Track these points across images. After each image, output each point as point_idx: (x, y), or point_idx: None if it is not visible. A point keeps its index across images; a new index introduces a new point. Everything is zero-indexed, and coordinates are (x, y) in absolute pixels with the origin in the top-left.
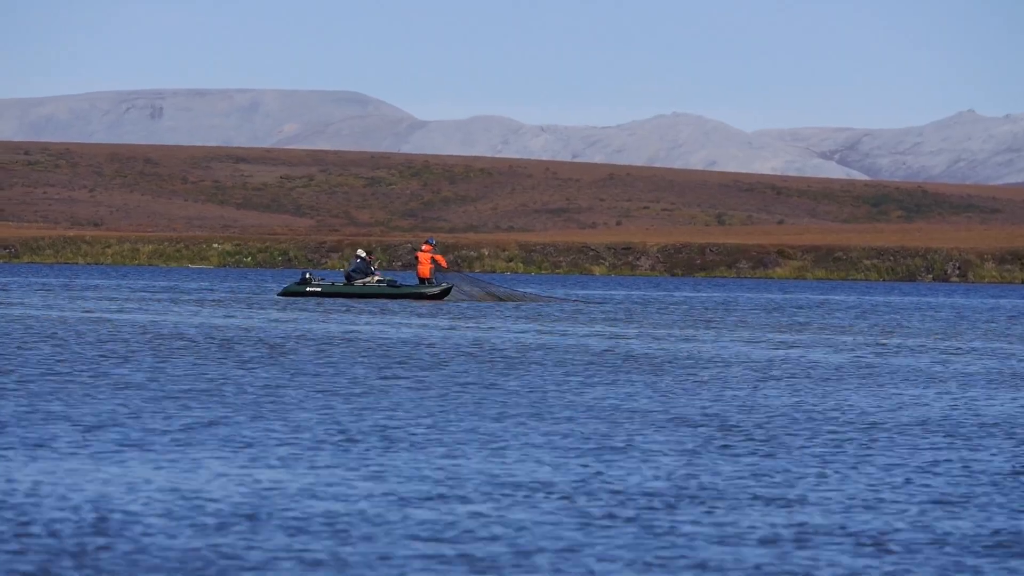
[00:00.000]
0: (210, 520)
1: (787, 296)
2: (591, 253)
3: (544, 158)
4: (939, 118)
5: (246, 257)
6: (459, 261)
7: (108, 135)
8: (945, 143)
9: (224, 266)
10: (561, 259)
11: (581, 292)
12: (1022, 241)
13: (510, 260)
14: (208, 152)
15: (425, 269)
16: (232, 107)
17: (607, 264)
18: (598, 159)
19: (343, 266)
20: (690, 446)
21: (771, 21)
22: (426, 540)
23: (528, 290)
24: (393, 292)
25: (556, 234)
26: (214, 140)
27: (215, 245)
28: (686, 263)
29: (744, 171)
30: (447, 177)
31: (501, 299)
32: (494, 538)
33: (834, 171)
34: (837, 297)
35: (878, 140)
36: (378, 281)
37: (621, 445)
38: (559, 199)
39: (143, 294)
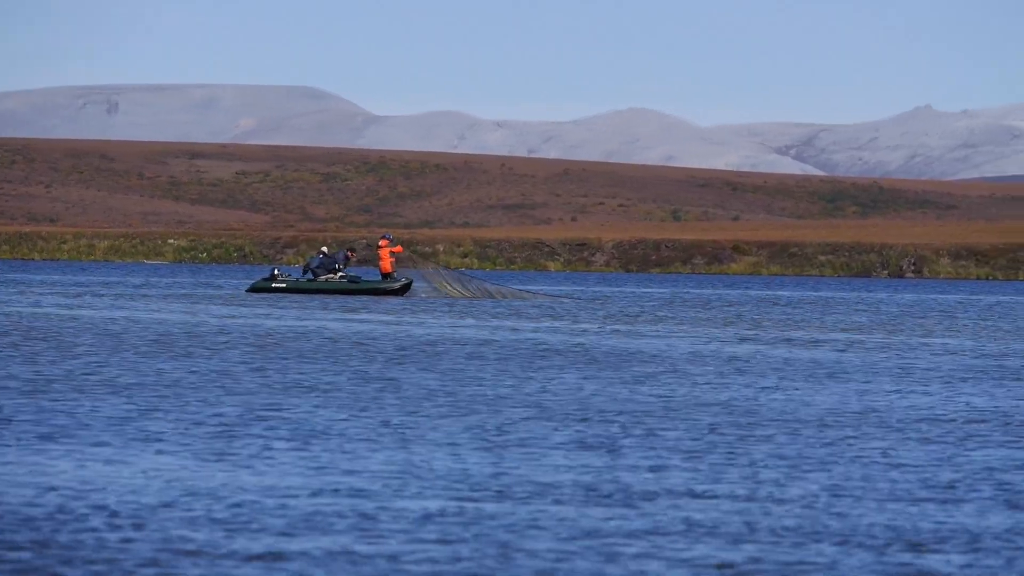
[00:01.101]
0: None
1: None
2: (546, 249)
3: (500, 153)
4: (896, 114)
5: (202, 253)
6: (413, 257)
7: (65, 130)
8: (902, 139)
9: (180, 262)
10: (516, 255)
11: (570, 288)
12: (977, 237)
13: (465, 256)
14: (164, 148)
15: (386, 264)
16: (188, 102)
17: (562, 260)
18: (554, 154)
19: (299, 262)
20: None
21: (728, 17)
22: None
23: (519, 288)
24: (356, 288)
25: (511, 230)
26: (170, 136)
27: (171, 241)
28: (641, 259)
29: (700, 167)
30: (403, 172)
31: (494, 296)
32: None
33: (790, 167)
34: (782, 292)
35: (834, 136)
36: (341, 277)
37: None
38: (515, 195)
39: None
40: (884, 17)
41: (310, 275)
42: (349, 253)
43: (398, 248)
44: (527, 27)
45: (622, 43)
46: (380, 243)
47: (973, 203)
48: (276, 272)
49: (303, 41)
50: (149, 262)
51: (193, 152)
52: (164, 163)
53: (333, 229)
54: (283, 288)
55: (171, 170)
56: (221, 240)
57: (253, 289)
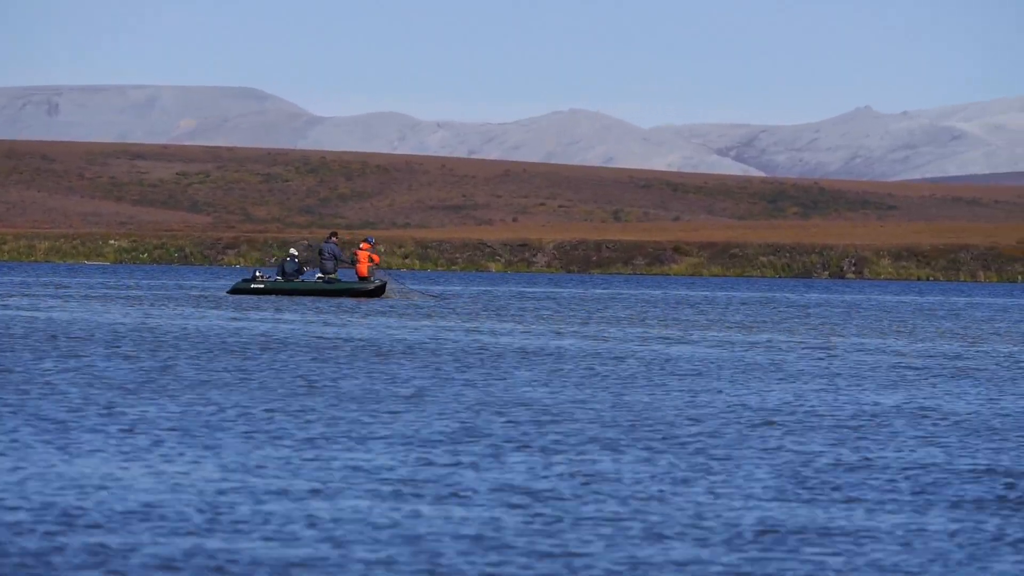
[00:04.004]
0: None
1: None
2: (487, 250)
3: (441, 154)
4: (836, 115)
5: (142, 254)
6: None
7: (4, 131)
8: (842, 140)
9: (120, 263)
10: (457, 255)
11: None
12: (918, 238)
13: (406, 257)
14: (105, 148)
15: (363, 267)
16: (129, 103)
17: (503, 261)
18: (495, 155)
19: (241, 263)
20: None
21: (668, 17)
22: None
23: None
24: (332, 289)
25: (452, 231)
26: (111, 136)
27: (112, 242)
28: (582, 260)
29: (641, 168)
30: (344, 173)
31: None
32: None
33: (731, 168)
34: (703, 292)
35: (775, 137)
36: (318, 278)
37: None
38: (455, 195)
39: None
40: (824, 18)
41: (303, 275)
42: (334, 238)
43: (376, 258)
44: (467, 28)
45: (563, 44)
46: (361, 245)
47: (913, 204)
48: (257, 274)
49: (243, 42)
50: (90, 263)
51: (133, 153)
52: (104, 164)
53: (274, 230)
54: (262, 289)
55: (111, 171)
56: (162, 241)
57: (234, 290)
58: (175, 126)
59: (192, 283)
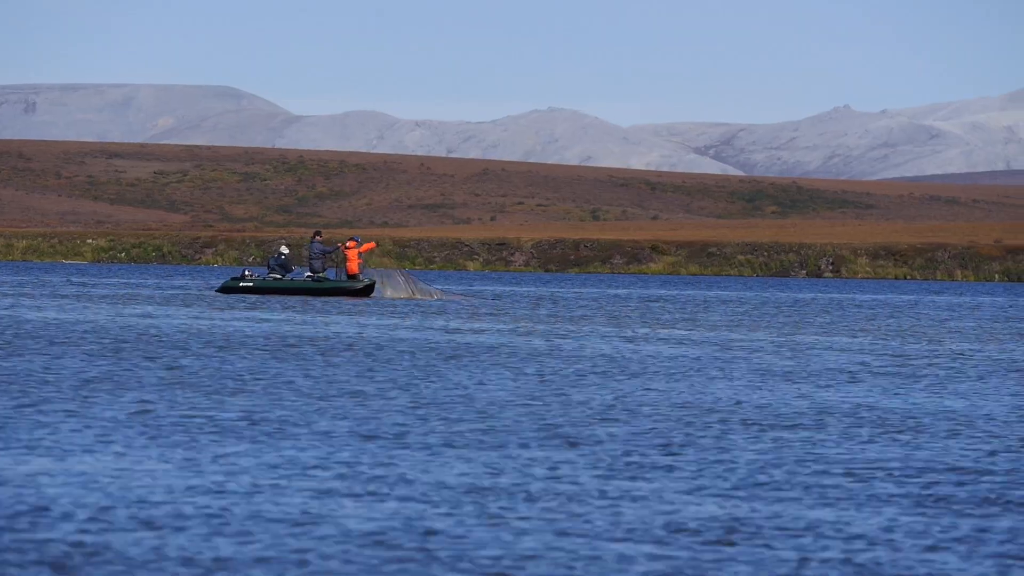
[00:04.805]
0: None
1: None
2: (465, 249)
3: (419, 153)
4: (814, 113)
5: (120, 253)
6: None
7: None
8: (820, 138)
9: (98, 262)
10: (435, 254)
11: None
12: (896, 237)
13: (384, 255)
14: (82, 147)
15: (353, 265)
16: (106, 102)
17: (481, 260)
18: (473, 154)
19: (218, 262)
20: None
21: (647, 15)
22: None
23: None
24: (321, 287)
25: (430, 230)
26: (88, 135)
27: (89, 241)
28: (560, 259)
29: (619, 166)
30: (322, 172)
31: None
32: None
33: (709, 166)
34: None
35: (753, 135)
36: (307, 276)
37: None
38: (434, 194)
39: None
40: (803, 17)
41: (291, 274)
42: (318, 237)
43: (368, 245)
44: (446, 27)
45: (541, 43)
46: (348, 244)
47: (891, 203)
48: (247, 272)
49: (221, 41)
50: (68, 262)
51: (111, 152)
52: (82, 163)
53: (252, 229)
54: (249, 288)
55: (89, 170)
56: (140, 240)
57: (223, 289)
58: (153, 125)
59: (180, 282)
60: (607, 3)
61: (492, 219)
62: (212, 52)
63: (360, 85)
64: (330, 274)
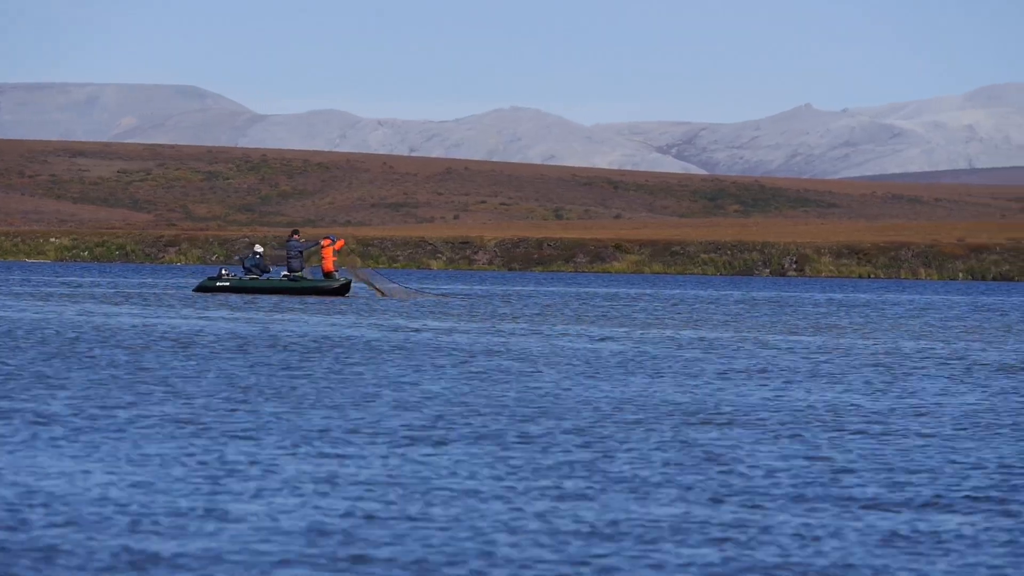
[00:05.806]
0: None
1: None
2: (429, 247)
3: (382, 152)
4: (776, 112)
5: (83, 251)
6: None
7: None
8: (782, 137)
9: (61, 261)
10: (399, 253)
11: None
12: (858, 235)
13: (348, 254)
14: (45, 146)
15: (329, 263)
16: (69, 101)
17: (444, 258)
18: (436, 153)
19: (182, 261)
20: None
21: (609, 14)
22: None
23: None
24: (297, 286)
25: (394, 229)
26: (51, 134)
27: (52, 240)
28: (524, 257)
29: (582, 165)
30: (285, 171)
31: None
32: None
33: (672, 165)
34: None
35: (715, 134)
36: (284, 276)
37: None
38: (397, 193)
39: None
40: (764, 16)
41: (267, 274)
42: (296, 236)
43: (340, 243)
44: (408, 25)
45: (503, 41)
46: (322, 243)
47: (854, 202)
48: (223, 272)
49: (185, 40)
50: (31, 261)
51: (74, 151)
52: (45, 162)
53: (215, 228)
54: (226, 287)
55: (52, 169)
56: (103, 239)
57: (200, 288)
58: (116, 124)
59: (156, 281)
60: (570, 3)
61: (455, 218)
62: (176, 51)
63: (324, 84)
64: (316, 273)
